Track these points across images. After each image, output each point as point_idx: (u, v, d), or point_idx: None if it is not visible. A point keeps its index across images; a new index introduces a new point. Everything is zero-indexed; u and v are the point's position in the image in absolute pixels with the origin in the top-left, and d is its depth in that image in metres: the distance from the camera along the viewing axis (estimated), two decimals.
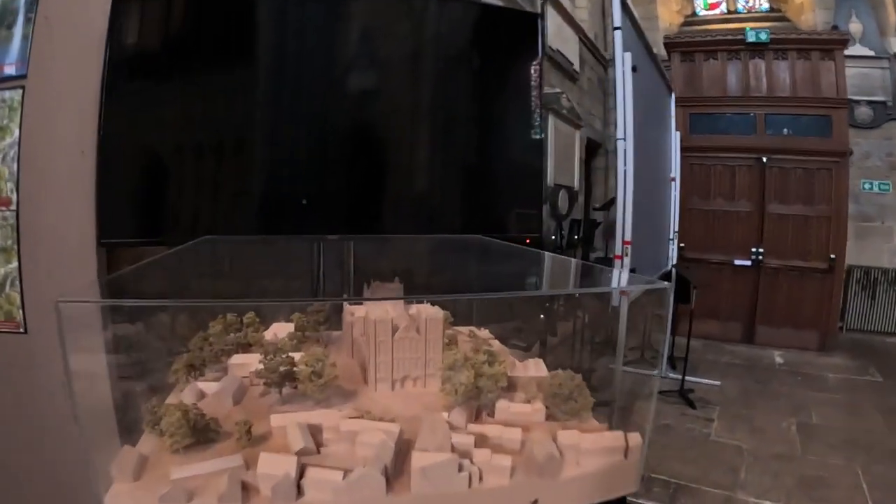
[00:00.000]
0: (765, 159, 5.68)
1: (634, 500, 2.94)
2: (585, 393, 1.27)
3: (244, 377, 1.39)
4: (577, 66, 5.85)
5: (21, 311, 1.88)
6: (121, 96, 1.81)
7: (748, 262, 5.63)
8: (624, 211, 3.16)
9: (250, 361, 1.44)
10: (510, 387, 1.33)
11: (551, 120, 5.02)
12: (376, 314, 1.34)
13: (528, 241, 2.47)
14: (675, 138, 4.95)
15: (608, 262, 5.61)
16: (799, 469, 3.39)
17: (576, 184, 5.75)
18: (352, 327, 1.57)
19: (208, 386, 1.35)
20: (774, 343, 5.74)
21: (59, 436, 1.89)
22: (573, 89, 5.81)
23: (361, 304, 1.64)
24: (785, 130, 5.62)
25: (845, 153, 5.45)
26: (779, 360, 5.51)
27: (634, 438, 1.18)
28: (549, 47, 5.07)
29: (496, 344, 1.74)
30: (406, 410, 1.30)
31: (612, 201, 5.53)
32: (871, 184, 6.03)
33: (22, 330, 1.89)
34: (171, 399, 1.32)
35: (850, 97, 5.46)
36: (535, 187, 2.66)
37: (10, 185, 1.82)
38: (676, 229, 4.93)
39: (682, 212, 5.01)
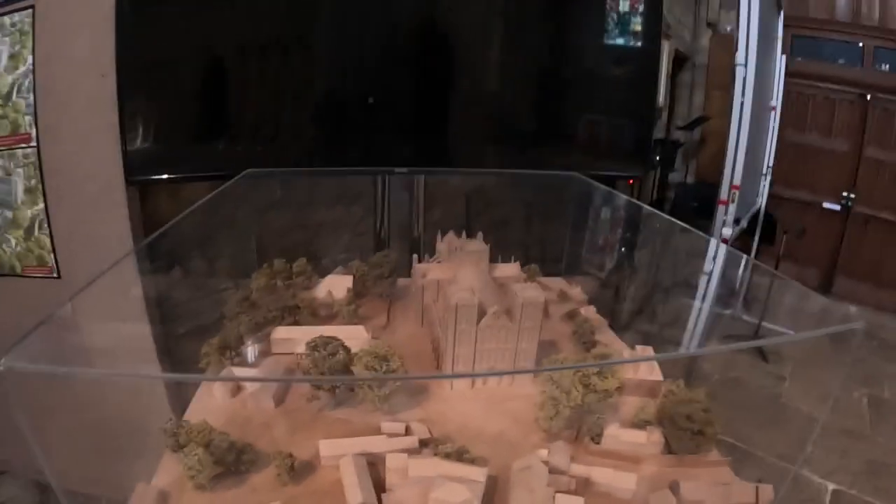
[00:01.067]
0: (868, 97, 4.90)
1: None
2: (712, 421, 0.94)
3: (293, 354, 1.13)
4: None
5: (52, 256, 1.65)
6: (139, 3, 1.44)
7: (837, 207, 5.01)
8: (736, 150, 2.65)
9: (296, 336, 1.16)
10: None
11: None
12: (457, 294, 1.00)
13: (630, 181, 2.07)
14: (781, 63, 4.26)
15: (687, 187, 5.11)
16: (867, 450, 3.07)
17: (660, 100, 5.12)
18: (423, 291, 1.29)
19: (245, 373, 1.07)
20: (852, 297, 5.20)
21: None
22: None
23: (435, 263, 1.34)
24: (887, 67, 4.80)
25: None
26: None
27: (766, 493, 0.90)
28: None
29: (593, 315, 1.42)
30: (490, 423, 1.01)
31: (698, 121, 4.93)
32: None
33: (55, 275, 1.67)
34: (202, 392, 1.06)
35: None
36: (645, 114, 2.07)
37: (28, 119, 1.53)
38: (771, 164, 4.33)
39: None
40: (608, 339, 1.34)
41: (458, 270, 1.22)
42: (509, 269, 1.31)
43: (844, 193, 5.01)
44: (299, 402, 1.02)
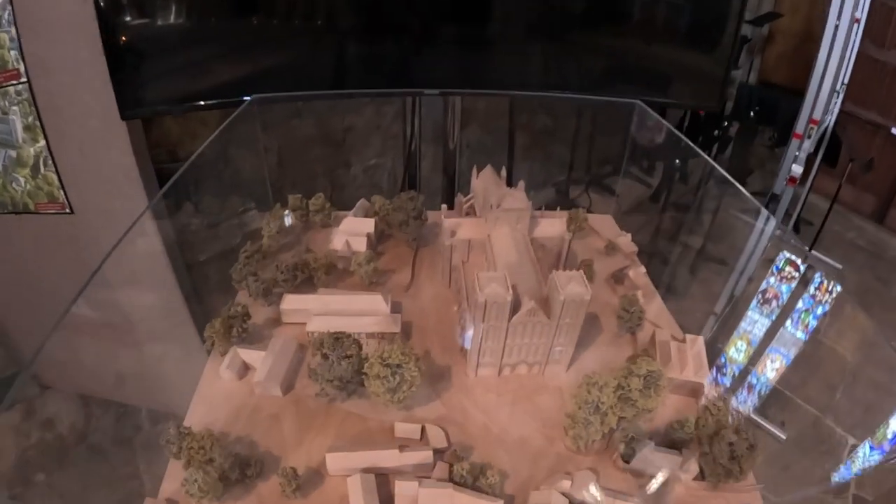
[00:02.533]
0: None
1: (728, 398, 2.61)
2: (754, 453, 0.81)
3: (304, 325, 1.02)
4: None
5: (62, 192, 1.55)
6: None
7: None
8: (822, 78, 2.26)
9: (307, 306, 1.06)
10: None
11: None
12: (488, 286, 0.85)
13: (701, 112, 1.78)
14: None
15: (750, 90, 4.62)
16: (891, 408, 2.92)
17: None
18: (451, 251, 1.12)
19: (253, 356, 0.96)
20: None
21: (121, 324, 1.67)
22: None
23: (466, 219, 1.16)
24: None
25: None
26: None
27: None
28: None
29: (642, 281, 1.27)
30: (514, 424, 0.90)
31: (768, 17, 4.37)
32: None
33: (68, 210, 1.58)
34: (208, 371, 0.97)
35: None
36: (723, 28, 1.59)
37: (14, 55, 1.35)
38: (846, 81, 3.85)
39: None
40: (657, 315, 1.18)
41: (493, 233, 1.07)
42: (553, 227, 1.14)
43: None
44: (310, 389, 0.91)
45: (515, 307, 0.86)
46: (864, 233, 4.81)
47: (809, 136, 2.30)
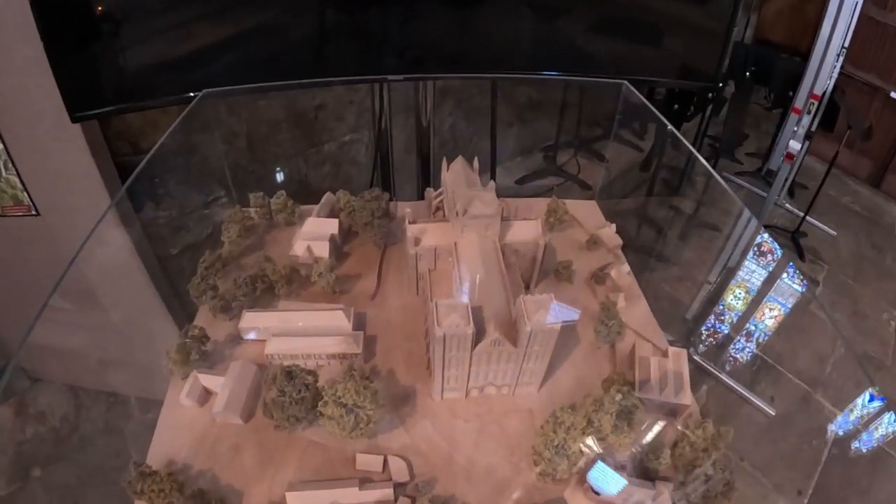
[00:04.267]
0: None
1: (717, 372, 2.59)
2: (728, 488, 0.76)
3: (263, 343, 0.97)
4: None
5: (26, 194, 1.48)
6: None
7: None
8: (825, 53, 2.12)
9: (266, 324, 1.00)
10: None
11: None
12: (447, 316, 0.79)
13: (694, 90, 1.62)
14: None
15: (746, 49, 4.43)
16: (884, 384, 2.84)
17: None
18: (416, 259, 1.05)
19: (213, 382, 0.91)
20: None
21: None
22: None
23: (432, 224, 1.06)
24: None
25: None
26: None
27: None
28: None
29: (625, 280, 1.21)
30: (481, 451, 0.86)
31: None
32: None
33: (34, 212, 1.52)
34: (169, 399, 0.92)
35: None
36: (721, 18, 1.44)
37: None
38: (846, 45, 3.69)
39: None
40: (640, 321, 1.12)
41: (460, 241, 0.99)
42: (528, 230, 1.06)
43: None
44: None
45: (479, 336, 0.80)
46: (859, 197, 4.72)
47: (809, 112, 2.18)
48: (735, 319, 2.88)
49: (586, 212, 1.42)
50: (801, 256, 3.68)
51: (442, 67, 1.46)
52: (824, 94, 3.57)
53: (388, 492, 0.76)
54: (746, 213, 1.90)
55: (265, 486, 0.80)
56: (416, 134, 1.71)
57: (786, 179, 4.03)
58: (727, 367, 2.71)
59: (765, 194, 3.89)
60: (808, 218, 3.85)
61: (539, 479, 0.80)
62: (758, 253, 2.74)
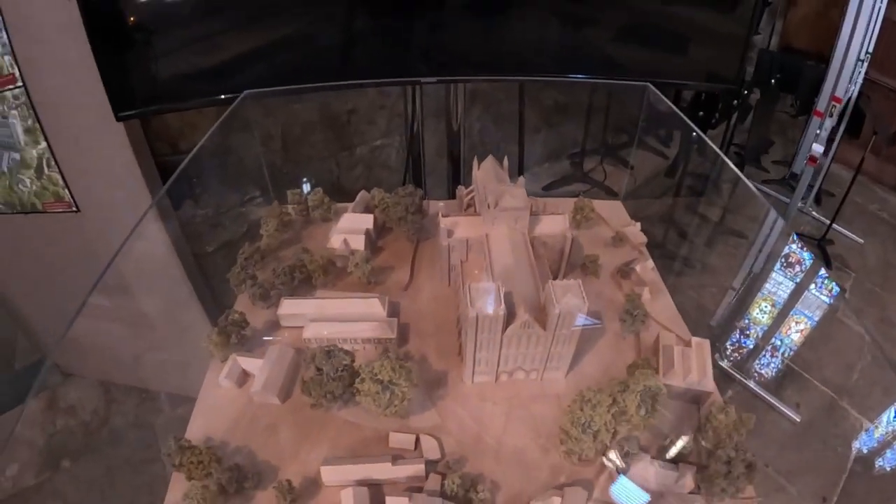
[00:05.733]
0: None
1: (743, 378, 2.58)
2: (750, 469, 0.78)
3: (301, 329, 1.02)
4: None
5: (67, 191, 1.56)
6: None
7: None
8: (846, 55, 2.14)
9: (304, 311, 1.05)
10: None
11: None
12: (479, 298, 0.83)
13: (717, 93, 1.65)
14: None
15: (771, 56, 4.42)
16: None
17: None
18: (448, 251, 1.10)
19: (252, 364, 0.96)
20: None
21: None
22: None
23: (463, 217, 1.11)
24: None
25: None
26: None
27: None
28: None
29: (650, 276, 1.23)
30: (509, 434, 0.90)
31: None
32: None
33: (74, 208, 1.60)
34: (208, 381, 0.97)
35: None
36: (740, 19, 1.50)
37: (7, 60, 1.34)
38: (871, 50, 3.66)
39: None
40: (664, 314, 1.15)
41: (491, 233, 1.04)
42: (555, 224, 1.10)
43: None
44: (307, 396, 0.91)
45: (509, 319, 0.84)
46: (887, 205, 4.65)
47: (831, 115, 2.19)
48: (761, 329, 2.86)
49: (612, 211, 1.45)
50: (828, 264, 3.65)
51: (471, 70, 1.52)
52: (849, 99, 3.56)
53: (420, 468, 0.80)
54: (773, 214, 1.91)
55: (300, 462, 0.85)
56: (446, 137, 1.77)
57: (812, 187, 4.01)
58: (753, 374, 2.69)
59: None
60: (834, 226, 3.81)
61: (565, 457, 0.83)
62: (785, 263, 2.74)
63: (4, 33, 1.29)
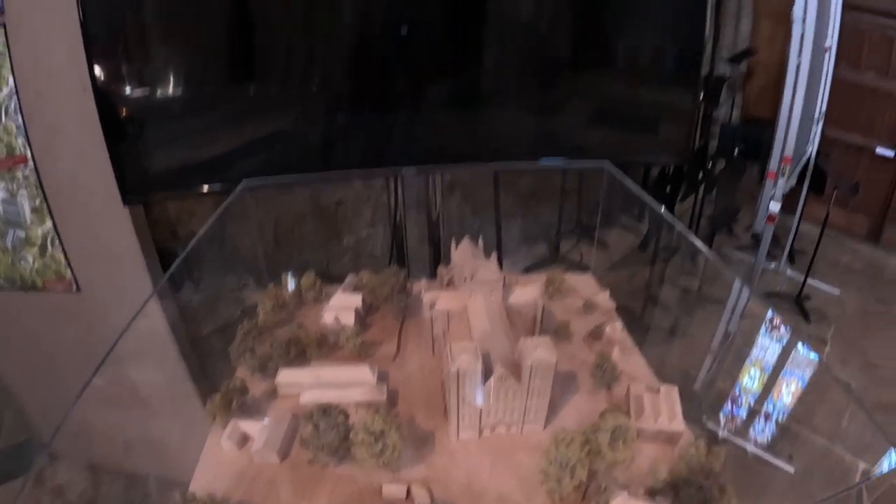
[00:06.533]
0: None
1: (733, 438, 2.64)
2: (723, 492, 0.89)
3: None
4: None
5: (69, 270, 1.68)
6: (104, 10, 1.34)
7: (890, 153, 4.64)
8: (790, 117, 2.40)
9: (300, 379, 1.16)
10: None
11: None
12: (459, 356, 0.95)
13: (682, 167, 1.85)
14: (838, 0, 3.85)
15: (733, 128, 4.76)
16: None
17: (706, 32, 4.73)
18: (432, 323, 1.23)
19: (252, 427, 1.06)
20: None
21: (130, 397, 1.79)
22: None
23: (444, 291, 1.26)
24: None
25: None
26: None
27: None
28: None
29: (619, 335, 1.36)
30: (495, 480, 0.99)
31: (745, 54, 4.58)
32: None
33: (75, 288, 1.71)
34: (210, 443, 1.06)
35: None
36: (687, 100, 1.78)
37: (20, 141, 1.51)
38: (825, 109, 3.99)
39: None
40: (635, 368, 1.28)
41: (469, 304, 1.17)
42: (527, 293, 1.24)
43: None
44: (304, 455, 1.01)
45: (487, 374, 0.96)
46: (859, 255, 4.90)
47: (784, 174, 2.41)
48: (743, 388, 2.96)
49: (583, 283, 1.60)
50: (807, 319, 3.80)
51: (444, 160, 1.73)
52: (808, 158, 3.85)
53: None
54: (737, 284, 2.09)
55: None
56: (427, 225, 1.96)
57: (783, 247, 4.25)
58: (742, 431, 2.77)
59: (766, 265, 4.09)
60: (809, 281, 4.01)
61: (547, 497, 0.93)
62: (767, 325, 2.89)
63: (20, 116, 1.45)
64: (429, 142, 1.65)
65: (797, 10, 2.26)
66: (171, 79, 1.50)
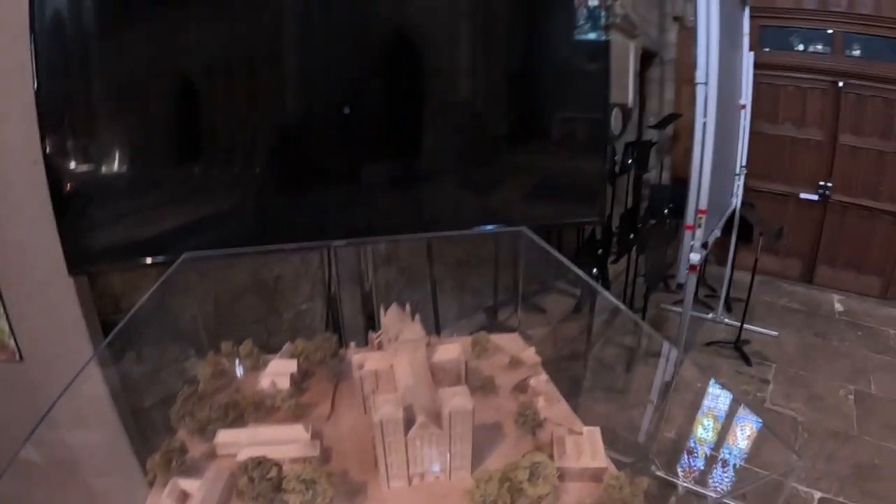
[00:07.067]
0: (840, 84, 4.95)
1: (688, 485, 2.75)
2: None
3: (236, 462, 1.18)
4: None
5: (13, 340, 1.72)
6: (55, 79, 1.47)
7: (814, 197, 5.08)
8: (701, 171, 2.68)
9: (238, 439, 1.23)
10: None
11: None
12: (381, 407, 1.06)
13: (584, 226, 2.09)
14: (749, 60, 4.31)
15: (661, 189, 5.15)
16: (854, 452, 3.11)
17: (630, 101, 5.18)
18: (361, 382, 1.33)
19: (190, 485, 1.13)
20: (834, 285, 5.30)
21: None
22: None
23: (372, 352, 1.39)
24: (862, 52, 4.86)
25: None
26: (839, 306, 5.07)
27: None
28: None
29: (544, 387, 1.47)
30: None
31: (669, 119, 5.00)
32: None
33: (17, 358, 1.75)
34: (150, 501, 1.13)
35: None
36: (596, 159, 2.05)
37: None
38: (744, 163, 4.38)
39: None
40: (560, 415, 1.38)
41: (395, 363, 1.29)
42: (450, 352, 1.36)
43: (822, 183, 5.10)
44: None
45: (410, 424, 1.07)
46: (795, 296, 5.24)
47: (700, 226, 2.67)
48: (687, 434, 3.11)
49: (510, 342, 1.72)
50: (748, 362, 4.03)
51: (372, 232, 1.89)
52: (734, 212, 4.19)
53: None
54: (665, 346, 2.29)
55: None
56: (360, 298, 2.09)
57: (718, 297, 4.54)
58: (692, 477, 2.88)
59: (704, 316, 4.37)
60: (749, 326, 4.28)
61: None
62: (703, 371, 3.07)
63: None
64: (361, 216, 1.81)
65: (699, 75, 2.57)
66: (119, 156, 1.62)
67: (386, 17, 1.83)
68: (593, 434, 1.25)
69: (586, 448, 1.21)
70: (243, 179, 1.77)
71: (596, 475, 1.17)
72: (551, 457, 1.18)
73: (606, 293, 1.65)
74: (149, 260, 1.64)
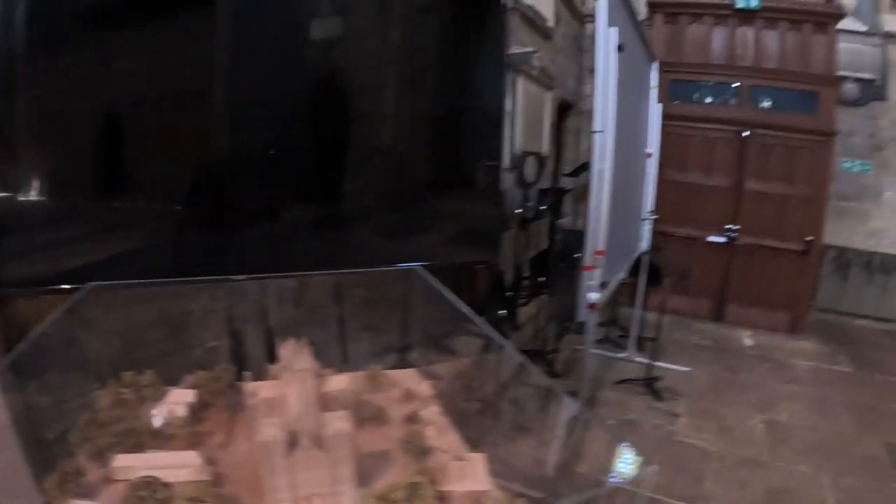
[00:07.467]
0: (746, 133, 5.47)
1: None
2: None
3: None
4: (551, 23, 5.48)
5: None
6: None
7: (722, 239, 5.52)
8: (599, 215, 2.94)
9: (135, 464, 1.31)
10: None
11: (521, 83, 4.68)
12: (264, 429, 1.19)
13: (477, 266, 2.29)
14: (656, 111, 4.71)
15: (572, 234, 5.46)
16: (766, 478, 3.31)
17: (545, 149, 5.52)
18: (255, 410, 1.42)
19: None
20: (744, 322, 5.73)
21: None
22: (546, 47, 5.47)
23: (266, 382, 1.50)
24: (767, 104, 5.42)
25: (832, 133, 5.19)
26: (748, 342, 5.46)
27: None
28: (521, 2, 4.73)
29: (434, 417, 1.61)
30: None
31: (583, 167, 5.35)
32: (852, 163, 5.86)
33: None
34: None
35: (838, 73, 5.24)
36: (493, 200, 2.34)
37: None
38: (652, 208, 4.76)
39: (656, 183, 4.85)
40: (448, 443, 1.51)
41: (287, 391, 1.41)
42: (341, 382, 1.51)
43: (729, 226, 5.55)
44: None
45: (294, 446, 1.20)
46: (706, 333, 5.61)
47: (599, 266, 2.91)
48: (596, 467, 3.27)
49: (406, 377, 1.84)
50: (658, 397, 4.28)
51: (274, 269, 2.02)
52: (640, 258, 4.52)
53: None
54: (565, 400, 2.44)
55: None
56: (264, 333, 2.20)
57: (629, 337, 4.84)
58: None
59: (616, 355, 4.65)
60: (661, 363, 4.57)
61: None
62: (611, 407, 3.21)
63: None
64: (268, 254, 1.96)
65: (597, 124, 2.85)
66: (37, 185, 1.71)
67: (315, 62, 1.99)
68: (476, 459, 1.39)
69: (469, 473, 1.34)
70: (164, 214, 1.87)
71: (478, 498, 1.30)
72: (435, 481, 1.29)
73: (499, 337, 1.80)
74: (59, 287, 1.72)
